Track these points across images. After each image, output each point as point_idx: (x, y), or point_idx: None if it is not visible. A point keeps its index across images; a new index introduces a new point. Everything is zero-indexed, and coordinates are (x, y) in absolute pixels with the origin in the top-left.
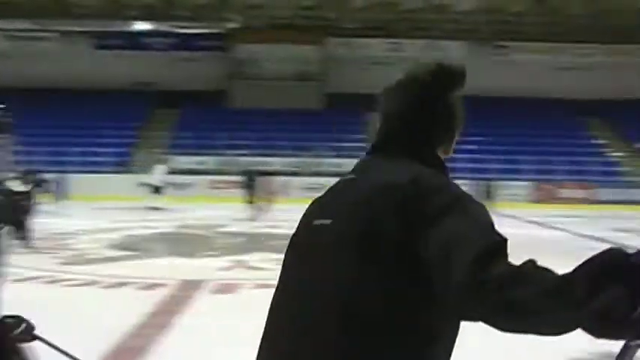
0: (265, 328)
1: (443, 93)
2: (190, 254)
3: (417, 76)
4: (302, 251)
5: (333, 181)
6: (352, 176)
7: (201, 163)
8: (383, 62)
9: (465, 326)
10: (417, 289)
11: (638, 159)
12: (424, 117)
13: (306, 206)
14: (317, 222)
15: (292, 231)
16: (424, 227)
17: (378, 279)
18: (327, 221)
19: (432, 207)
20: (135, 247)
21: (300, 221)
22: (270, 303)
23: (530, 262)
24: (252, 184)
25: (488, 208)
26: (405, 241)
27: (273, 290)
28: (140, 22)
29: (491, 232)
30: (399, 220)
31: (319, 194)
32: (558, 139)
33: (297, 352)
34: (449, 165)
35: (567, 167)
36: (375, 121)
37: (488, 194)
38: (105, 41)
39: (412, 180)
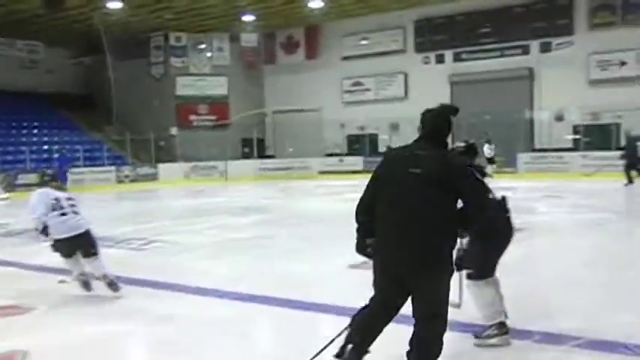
0: (381, 228)
1: (450, 116)
2: None
3: (443, 110)
4: (402, 185)
5: None
6: (423, 152)
7: None
8: None
9: None
10: (454, 203)
11: None
12: (445, 127)
13: None
14: (411, 170)
15: None
16: (459, 180)
17: (445, 200)
18: (418, 170)
19: (463, 172)
20: None
21: (389, 168)
22: (379, 221)
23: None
24: None
25: None
26: (453, 184)
27: None
28: None
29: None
30: (451, 175)
31: None
32: None
33: (406, 234)
34: None
35: None
36: (420, 126)
37: None
38: None
39: (452, 158)
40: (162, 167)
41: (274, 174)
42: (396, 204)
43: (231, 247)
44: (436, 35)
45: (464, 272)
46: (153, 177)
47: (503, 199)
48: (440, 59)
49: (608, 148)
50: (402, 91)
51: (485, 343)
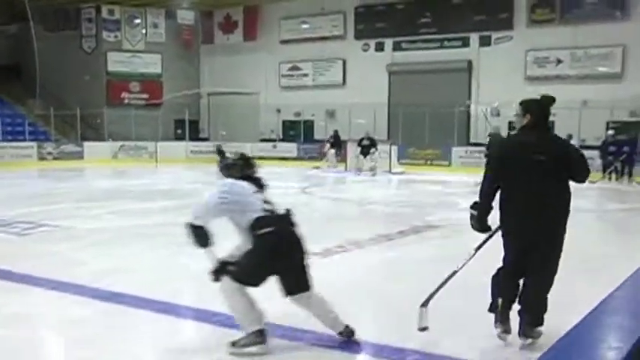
0: (515, 211)
1: (551, 105)
2: None
3: (545, 100)
4: (530, 170)
5: None
6: (539, 140)
7: None
8: None
9: None
10: (567, 179)
11: None
12: (549, 115)
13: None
14: (536, 157)
15: None
16: (573, 158)
17: (563, 177)
18: (542, 157)
19: (576, 151)
20: None
21: (514, 154)
22: (509, 198)
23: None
24: None
25: None
26: (569, 164)
27: None
28: None
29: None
30: (570, 156)
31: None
32: None
33: (536, 213)
34: None
35: None
36: (518, 115)
37: None
38: None
39: (566, 141)
40: (88, 145)
41: (206, 157)
42: (525, 188)
43: (126, 235)
44: (376, 23)
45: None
46: (78, 155)
47: (288, 212)
48: (379, 47)
49: None
50: (339, 78)
51: (242, 351)
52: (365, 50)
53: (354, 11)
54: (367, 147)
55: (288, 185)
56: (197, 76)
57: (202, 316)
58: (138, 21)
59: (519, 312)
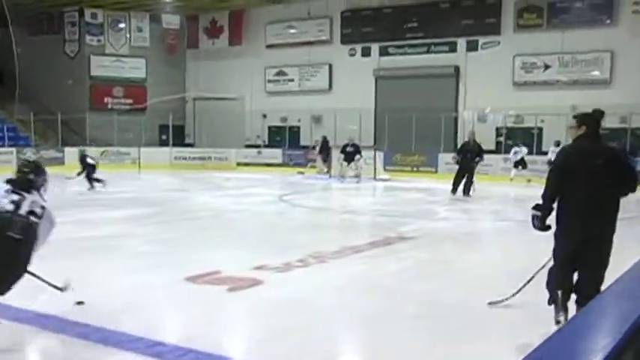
0: (573, 211)
1: (602, 118)
2: None
3: (598, 113)
4: (588, 173)
5: None
6: (595, 147)
7: None
8: None
9: None
10: (618, 182)
11: None
12: (600, 126)
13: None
14: (593, 162)
15: None
16: (623, 165)
17: (616, 184)
18: (599, 161)
19: (625, 159)
20: None
21: (576, 161)
22: (569, 200)
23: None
24: None
25: None
26: (620, 168)
27: None
28: None
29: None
30: (621, 162)
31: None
32: None
33: (594, 212)
34: None
35: None
36: (571, 126)
37: None
38: None
39: (614, 148)
40: (68, 151)
41: (190, 163)
42: (584, 190)
43: (73, 247)
44: (363, 27)
45: None
46: (59, 161)
47: (15, 220)
48: (366, 52)
49: (530, 153)
50: (326, 83)
51: None
52: (351, 55)
53: (340, 16)
54: (351, 153)
55: (267, 192)
56: (182, 81)
57: (139, 346)
58: (122, 25)
59: (576, 301)
